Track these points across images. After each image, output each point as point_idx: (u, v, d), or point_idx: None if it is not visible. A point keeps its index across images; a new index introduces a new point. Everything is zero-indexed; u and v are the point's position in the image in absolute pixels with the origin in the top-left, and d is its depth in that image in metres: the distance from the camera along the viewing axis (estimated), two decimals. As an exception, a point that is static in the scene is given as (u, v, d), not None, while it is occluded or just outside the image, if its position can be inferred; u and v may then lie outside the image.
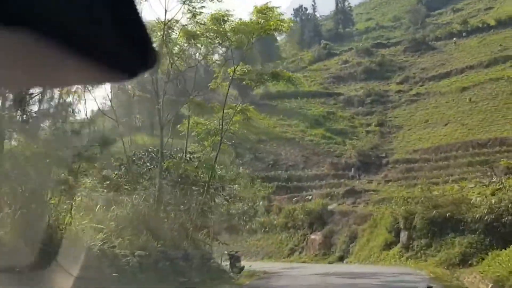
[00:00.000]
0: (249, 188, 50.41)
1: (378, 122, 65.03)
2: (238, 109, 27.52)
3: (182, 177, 24.68)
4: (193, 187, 25.92)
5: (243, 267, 26.23)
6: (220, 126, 25.31)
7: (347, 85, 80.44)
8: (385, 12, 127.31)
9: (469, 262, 26.35)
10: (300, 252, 42.98)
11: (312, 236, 42.47)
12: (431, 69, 77.21)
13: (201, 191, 26.23)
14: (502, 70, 65.14)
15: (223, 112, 26.04)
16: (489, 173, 34.14)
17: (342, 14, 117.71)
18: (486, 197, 28.32)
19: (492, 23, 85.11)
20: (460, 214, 28.47)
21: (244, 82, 27.67)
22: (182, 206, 24.62)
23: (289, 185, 53.24)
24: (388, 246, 33.63)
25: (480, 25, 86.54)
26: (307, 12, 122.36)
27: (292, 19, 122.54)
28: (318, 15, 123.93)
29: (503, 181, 29.96)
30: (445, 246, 28.24)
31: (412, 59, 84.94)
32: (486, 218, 26.75)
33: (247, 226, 48.39)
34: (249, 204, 49.50)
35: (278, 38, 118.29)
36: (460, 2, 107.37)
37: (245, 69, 25.97)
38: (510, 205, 26.08)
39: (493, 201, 26.84)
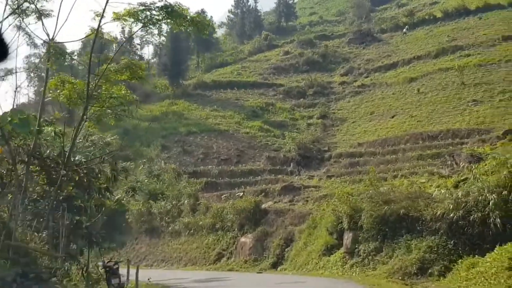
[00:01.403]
0: (174, 185, 44.22)
1: (320, 114, 59.99)
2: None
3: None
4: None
5: (123, 284, 19.84)
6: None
7: (288, 76, 75.34)
8: (329, 7, 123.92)
9: (429, 271, 20.89)
10: (228, 258, 36.88)
11: (242, 239, 36.45)
12: (377, 60, 73.00)
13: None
14: (451, 61, 61.23)
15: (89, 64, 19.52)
16: (449, 163, 28.85)
17: (285, 7, 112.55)
18: (448, 189, 22.87)
19: (439, 15, 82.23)
20: (417, 211, 22.96)
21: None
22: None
23: (220, 181, 47.25)
24: (329, 250, 27.89)
25: (427, 17, 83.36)
26: (248, 4, 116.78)
27: (233, 10, 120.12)
28: (259, 8, 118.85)
29: (466, 171, 24.62)
30: (399, 251, 22.66)
31: (357, 51, 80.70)
32: (450, 215, 21.28)
33: (170, 228, 42.27)
34: (173, 203, 43.33)
35: (218, 31, 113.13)
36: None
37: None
38: (480, 199, 20.66)
39: (459, 194, 21.37)
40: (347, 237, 25.92)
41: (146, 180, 31.05)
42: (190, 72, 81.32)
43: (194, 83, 73.27)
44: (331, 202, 30.12)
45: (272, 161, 49.73)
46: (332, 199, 30.74)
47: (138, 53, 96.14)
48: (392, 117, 53.50)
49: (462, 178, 24.46)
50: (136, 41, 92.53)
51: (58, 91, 20.12)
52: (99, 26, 18.81)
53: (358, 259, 24.74)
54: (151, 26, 18.72)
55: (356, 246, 25.20)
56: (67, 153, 18.33)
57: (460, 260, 19.52)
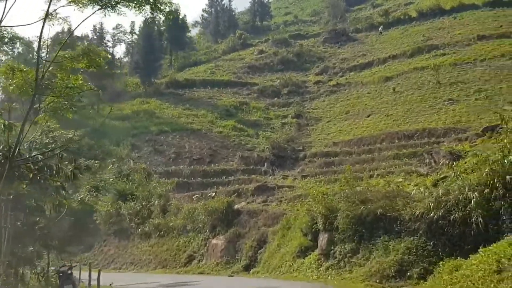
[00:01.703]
0: (144, 185, 42.70)
1: (295, 113, 59.00)
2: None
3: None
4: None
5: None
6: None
7: (262, 76, 74.20)
8: (304, 7, 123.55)
9: (408, 273, 19.82)
10: (199, 260, 35.50)
11: (214, 241, 35.11)
12: (352, 60, 72.46)
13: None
14: (426, 60, 60.88)
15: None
16: (427, 161, 27.89)
17: (260, 6, 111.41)
18: (428, 188, 21.84)
19: (414, 14, 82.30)
20: (395, 211, 21.89)
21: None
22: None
23: (192, 182, 45.89)
24: (304, 252, 26.70)
25: (402, 17, 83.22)
26: (223, 3, 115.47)
27: (207, 9, 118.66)
28: (234, 8, 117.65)
29: (446, 169, 23.66)
30: (376, 253, 21.55)
31: (332, 50, 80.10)
32: (430, 215, 20.25)
33: (140, 229, 40.77)
34: (143, 203, 41.82)
35: (192, 30, 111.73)
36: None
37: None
38: (461, 197, 19.67)
39: (439, 192, 20.34)
40: (322, 238, 24.79)
41: (111, 179, 29.26)
42: (163, 71, 79.68)
43: (167, 82, 71.66)
44: (306, 202, 28.95)
45: (246, 161, 48.51)
46: (306, 199, 29.53)
47: (110, 51, 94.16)
48: (368, 116, 52.76)
49: (441, 176, 23.55)
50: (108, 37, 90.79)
51: (9, 80, 18.48)
52: (49, 6, 17.16)
53: (334, 261, 23.60)
54: (109, 9, 17.23)
55: (332, 247, 24.06)
56: (13, 148, 16.73)
57: (441, 262, 18.46)
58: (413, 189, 23.43)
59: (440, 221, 20.05)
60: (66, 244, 47.08)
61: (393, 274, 20.12)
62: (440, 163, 25.00)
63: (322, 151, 47.19)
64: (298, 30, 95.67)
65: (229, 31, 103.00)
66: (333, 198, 25.19)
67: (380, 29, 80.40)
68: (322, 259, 24.51)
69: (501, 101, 42.77)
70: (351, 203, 23.50)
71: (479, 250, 16.82)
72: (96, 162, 27.29)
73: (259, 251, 31.83)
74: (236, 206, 37.07)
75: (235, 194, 39.80)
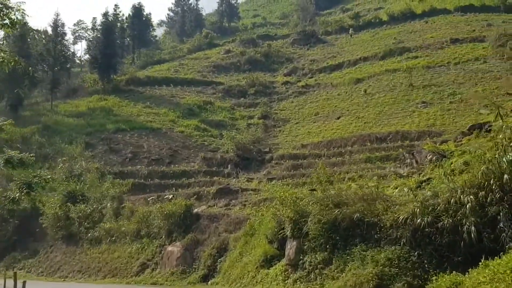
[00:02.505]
0: (96, 186, 39.18)
1: (262, 114, 56.09)
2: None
3: None
4: None
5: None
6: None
7: (228, 75, 71.12)
8: (273, 9, 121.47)
9: (390, 289, 17.03)
10: (153, 269, 32.18)
11: (170, 248, 31.85)
12: (322, 61, 70.05)
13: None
14: (398, 62, 58.90)
15: None
16: (408, 161, 25.20)
17: (228, 7, 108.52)
18: (412, 191, 19.09)
19: (385, 18, 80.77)
20: (374, 216, 19.15)
21: None
22: None
23: (149, 183, 42.48)
24: (269, 262, 23.73)
25: (373, 20, 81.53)
26: (189, 2, 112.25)
27: (173, 9, 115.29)
28: (201, 8, 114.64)
29: (429, 170, 21.03)
30: (352, 264, 18.70)
31: (301, 51, 77.67)
32: (414, 221, 17.53)
33: (89, 234, 37.25)
34: (94, 206, 38.29)
35: (157, 29, 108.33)
36: (350, 2, 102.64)
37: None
38: (451, 201, 17.00)
39: (427, 195, 17.64)
40: (290, 247, 21.82)
41: (48, 176, 25.58)
42: (125, 68, 75.94)
43: (127, 79, 67.93)
44: (272, 205, 25.94)
45: (208, 162, 45.34)
46: (273, 203, 26.52)
47: (71, 49, 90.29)
48: (338, 118, 50.31)
49: (424, 178, 20.88)
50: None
51: None
52: None
53: (303, 272, 20.63)
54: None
55: (301, 257, 21.11)
56: None
57: (434, 278, 15.69)
58: (394, 192, 20.73)
59: (427, 229, 17.42)
60: (10, 250, 43.40)
61: (372, 289, 17.32)
62: (425, 163, 22.34)
63: (290, 153, 44.40)
64: (266, 31, 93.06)
65: (195, 31, 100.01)
66: (303, 201, 22.27)
67: (350, 31, 78.39)
68: (289, 270, 21.55)
69: (476, 104, 40.81)
70: (324, 207, 20.67)
71: (480, 263, 14.10)
72: (31, 155, 23.69)
73: (219, 259, 28.75)
74: (195, 210, 33.99)
75: (195, 197, 36.67)
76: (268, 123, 53.81)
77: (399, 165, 27.05)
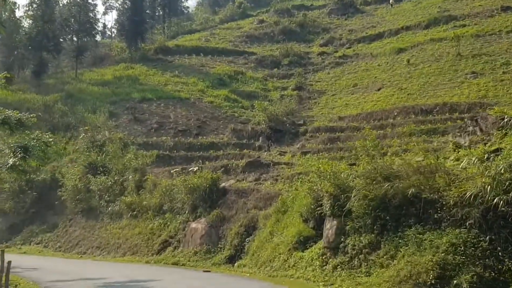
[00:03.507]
0: (118, 157, 36.58)
1: (296, 85, 52.61)
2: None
3: None
4: None
5: None
6: None
7: (261, 46, 67.63)
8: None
9: (455, 281, 13.80)
10: (175, 248, 29.37)
11: (194, 225, 28.94)
12: (360, 31, 65.94)
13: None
14: (444, 31, 54.52)
15: None
16: (470, 129, 21.60)
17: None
18: (482, 162, 15.64)
19: (429, -14, 75.43)
20: (433, 192, 15.85)
21: None
22: None
23: (174, 155, 39.69)
24: (304, 243, 20.57)
25: (416, -11, 76.58)
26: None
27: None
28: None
29: (498, 139, 17.54)
30: (406, 249, 15.48)
31: (338, 22, 73.51)
32: (486, 198, 14.18)
33: (110, 208, 34.75)
34: (115, 178, 35.70)
35: (190, 0, 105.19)
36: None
37: None
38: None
39: (501, 168, 14.23)
40: (329, 227, 18.64)
41: (50, 138, 22.38)
42: (153, 36, 73.07)
43: (155, 47, 65.14)
44: (308, 178, 22.70)
45: (238, 135, 42.36)
46: (308, 176, 23.26)
47: (101, 19, 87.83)
48: (378, 89, 46.71)
49: (492, 148, 17.37)
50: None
51: None
52: None
53: (345, 258, 17.48)
54: None
55: (342, 239, 17.95)
56: None
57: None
58: (455, 164, 17.33)
59: (502, 208, 14.00)
60: (28, 222, 41.31)
61: (432, 281, 14.07)
62: (490, 131, 18.84)
63: (326, 126, 41.06)
64: (302, 1, 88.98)
65: (228, 1, 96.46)
66: (345, 173, 19.00)
67: (391, 0, 73.93)
68: (328, 254, 18.40)
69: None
70: (371, 180, 17.37)
71: None
72: (32, 115, 20.73)
73: (247, 239, 25.66)
74: (222, 184, 30.97)
75: (223, 170, 33.62)
76: (303, 94, 50.47)
77: (459, 134, 23.45)
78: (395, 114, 39.51)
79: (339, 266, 17.43)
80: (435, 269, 14.17)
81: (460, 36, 49.12)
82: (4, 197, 41.81)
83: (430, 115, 36.50)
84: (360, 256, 16.94)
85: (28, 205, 41.16)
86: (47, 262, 30.00)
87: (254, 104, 46.71)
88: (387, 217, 16.62)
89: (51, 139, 20.34)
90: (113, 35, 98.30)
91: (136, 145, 40.14)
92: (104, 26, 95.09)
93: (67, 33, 67.05)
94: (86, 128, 42.84)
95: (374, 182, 17.22)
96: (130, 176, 35.74)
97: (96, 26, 70.16)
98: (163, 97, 49.71)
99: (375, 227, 16.84)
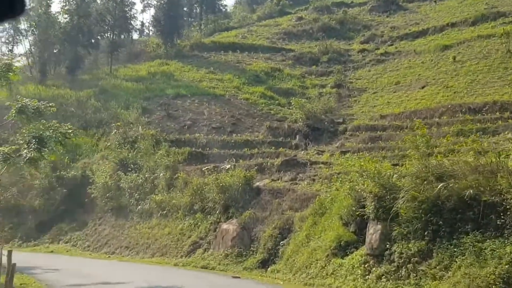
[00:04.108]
0: (150, 154, 35.30)
1: (335, 83, 50.56)
2: None
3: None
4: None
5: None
6: None
7: (300, 43, 65.75)
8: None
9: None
10: (205, 250, 27.79)
11: (225, 226, 27.32)
12: (403, 28, 63.42)
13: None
14: (492, 28, 51.71)
15: None
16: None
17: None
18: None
19: (475, -18, 72.37)
20: (494, 194, 13.80)
21: None
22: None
23: (207, 153, 38.13)
24: (344, 249, 18.69)
25: (461, -15, 73.62)
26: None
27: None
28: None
29: None
30: (463, 260, 13.48)
31: (380, 19, 71.02)
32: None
33: (140, 207, 33.45)
34: (146, 176, 34.39)
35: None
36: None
37: None
38: None
39: None
40: (373, 231, 16.76)
41: (70, 129, 20.41)
42: (190, 33, 71.98)
43: (191, 44, 63.84)
44: (349, 177, 20.79)
45: (274, 132, 40.59)
46: (349, 175, 21.33)
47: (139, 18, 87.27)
48: (422, 87, 44.43)
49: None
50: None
51: None
52: None
53: (390, 267, 15.58)
54: None
55: (387, 245, 16.07)
56: None
57: None
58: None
59: None
60: (57, 220, 40.33)
61: (496, 298, 12.07)
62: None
63: (366, 125, 39.01)
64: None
65: (266, 1, 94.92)
66: (390, 173, 17.06)
67: (434, -1, 71.27)
68: (371, 262, 16.52)
69: None
70: (421, 180, 15.42)
71: None
72: (50, 104, 19.19)
73: (281, 242, 23.90)
74: (256, 184, 29.33)
75: (257, 168, 31.90)
76: (342, 92, 48.44)
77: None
78: (441, 112, 37.33)
79: (383, 276, 15.52)
80: (498, 283, 12.24)
81: (510, 33, 46.53)
82: (34, 193, 40.92)
83: (479, 114, 34.23)
84: (408, 265, 15.01)
85: (58, 202, 40.17)
86: (71, 262, 28.78)
87: (291, 101, 44.90)
88: (440, 222, 14.67)
89: (70, 130, 18.76)
90: (150, 33, 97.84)
91: (168, 142, 38.76)
92: (142, 24, 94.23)
93: (103, 29, 66.32)
94: (118, 124, 41.70)
95: (425, 182, 15.30)
96: (161, 174, 34.40)
97: (132, 23, 69.46)
98: (197, 94, 48.32)
99: (426, 233, 14.90)
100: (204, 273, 23.39)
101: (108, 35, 65.89)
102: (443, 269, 13.89)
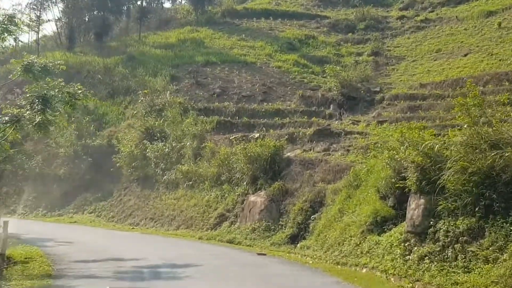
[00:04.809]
0: (177, 123, 33.92)
1: (372, 50, 48.29)
2: None
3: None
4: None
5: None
6: None
7: (335, 10, 63.26)
8: None
9: None
10: (232, 223, 26.37)
11: (253, 198, 25.80)
12: (445, -6, 60.27)
13: None
14: (542, -7, 48.52)
15: None
16: None
17: None
18: None
19: None
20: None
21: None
22: None
23: (236, 122, 36.56)
24: (381, 225, 16.90)
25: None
26: None
27: None
28: None
29: None
30: (522, 240, 11.56)
31: (420, -15, 67.79)
32: None
33: (165, 177, 32.20)
34: (173, 145, 33.05)
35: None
36: None
37: None
38: None
39: None
40: (415, 206, 14.92)
41: (80, 90, 18.34)
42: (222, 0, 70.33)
43: (223, 10, 62.03)
44: (387, 146, 18.90)
45: (307, 102, 38.71)
46: (388, 144, 19.42)
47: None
48: (465, 55, 41.84)
49: None
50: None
51: None
52: None
53: (435, 246, 13.74)
54: None
55: (431, 222, 14.20)
56: None
57: None
58: None
59: None
60: (82, 190, 39.47)
61: None
62: None
63: (405, 94, 36.80)
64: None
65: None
66: (437, 142, 15.15)
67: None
68: (412, 240, 14.71)
69: None
70: (472, 149, 13.50)
71: None
72: (58, 62, 17.60)
73: (312, 216, 22.24)
74: (286, 154, 27.67)
75: (287, 138, 30.16)
76: (380, 60, 46.16)
77: None
78: (485, 81, 34.84)
79: (427, 257, 13.71)
80: None
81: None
82: (59, 162, 40.11)
83: (527, 82, 31.87)
84: (455, 245, 13.16)
85: (83, 171, 39.30)
86: (89, 234, 27.85)
87: (325, 69, 42.85)
88: (494, 196, 12.77)
89: (79, 90, 17.10)
90: (183, 1, 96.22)
91: (196, 111, 37.27)
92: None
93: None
94: (145, 91, 40.37)
95: (476, 151, 13.38)
96: (188, 143, 32.97)
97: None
98: (227, 61, 46.66)
99: (477, 209, 13.01)
100: (228, 249, 21.94)
101: (139, 2, 64.50)
102: (497, 251, 12.04)
